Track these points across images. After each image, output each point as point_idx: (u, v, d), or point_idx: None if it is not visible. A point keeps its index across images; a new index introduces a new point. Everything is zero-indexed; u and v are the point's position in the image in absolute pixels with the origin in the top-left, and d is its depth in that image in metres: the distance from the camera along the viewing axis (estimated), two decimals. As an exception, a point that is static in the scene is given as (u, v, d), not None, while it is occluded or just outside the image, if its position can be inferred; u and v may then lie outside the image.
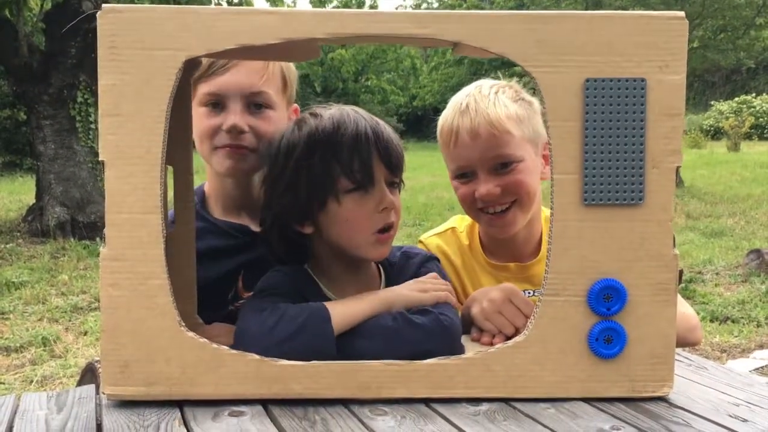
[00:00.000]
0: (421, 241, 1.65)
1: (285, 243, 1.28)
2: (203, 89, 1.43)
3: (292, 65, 1.55)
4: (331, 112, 1.25)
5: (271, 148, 1.27)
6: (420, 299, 1.20)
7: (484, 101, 1.48)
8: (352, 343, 1.12)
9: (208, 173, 1.56)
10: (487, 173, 1.48)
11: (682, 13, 1.05)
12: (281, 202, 1.24)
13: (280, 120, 1.48)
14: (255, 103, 1.45)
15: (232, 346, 1.10)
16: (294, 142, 1.23)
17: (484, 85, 1.55)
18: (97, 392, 1.13)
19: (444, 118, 1.54)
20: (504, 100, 1.49)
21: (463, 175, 1.52)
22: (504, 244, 1.59)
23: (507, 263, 1.59)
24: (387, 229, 1.23)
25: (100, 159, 1.03)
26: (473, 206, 1.52)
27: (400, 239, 1.47)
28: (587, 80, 1.04)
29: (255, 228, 1.49)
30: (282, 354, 1.08)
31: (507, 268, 1.59)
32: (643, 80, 1.04)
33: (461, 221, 1.67)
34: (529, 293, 1.49)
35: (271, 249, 1.30)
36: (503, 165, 1.47)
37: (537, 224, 1.59)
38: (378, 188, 1.22)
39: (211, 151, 1.45)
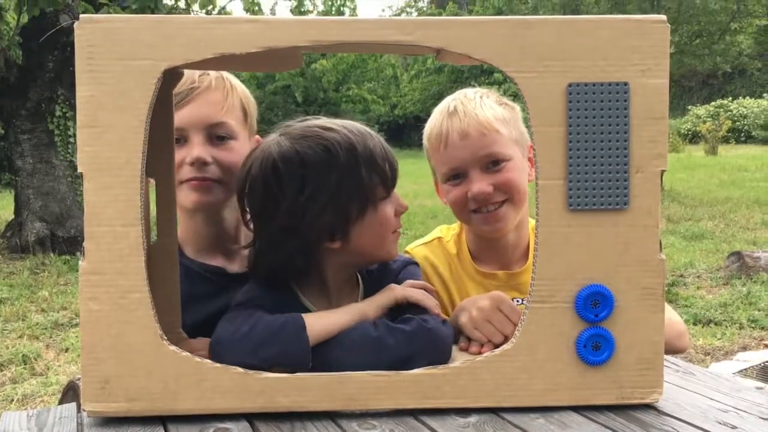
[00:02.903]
0: (407, 252, 1.64)
1: (302, 262, 1.22)
2: None
3: (251, 97, 1.54)
4: (335, 124, 1.23)
5: (289, 167, 1.18)
6: (393, 297, 1.22)
7: (471, 104, 1.51)
8: (335, 354, 1.11)
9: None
10: (479, 172, 1.49)
11: (663, 17, 1.05)
12: (321, 218, 1.18)
13: (242, 150, 1.45)
14: (217, 135, 1.44)
15: (210, 357, 1.08)
16: (333, 153, 1.17)
17: (468, 91, 1.59)
18: (79, 411, 1.10)
19: (431, 124, 1.56)
20: (489, 103, 1.53)
21: (455, 176, 1.53)
22: (492, 250, 1.59)
23: (495, 271, 1.59)
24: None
25: (78, 171, 1.01)
26: (465, 208, 1.53)
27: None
28: (570, 85, 1.04)
29: (231, 269, 1.48)
30: (257, 361, 1.07)
31: (495, 276, 1.58)
32: (626, 84, 1.04)
33: (447, 231, 1.67)
34: (517, 301, 1.49)
35: (270, 269, 1.24)
36: (494, 163, 1.49)
37: (525, 230, 1.60)
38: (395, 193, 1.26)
39: (177, 186, 1.41)
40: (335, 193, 1.17)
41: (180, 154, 1.41)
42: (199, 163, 1.41)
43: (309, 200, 1.17)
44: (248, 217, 1.27)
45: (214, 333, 1.16)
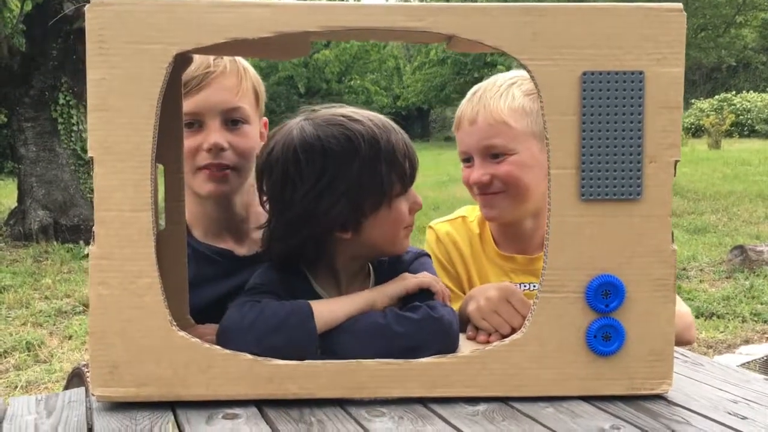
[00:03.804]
0: (430, 227, 1.66)
1: (313, 249, 1.22)
2: None
3: (260, 80, 1.54)
4: (361, 115, 1.21)
5: (309, 153, 1.16)
6: (403, 287, 1.21)
7: (492, 91, 1.51)
8: (343, 342, 1.11)
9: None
10: (481, 160, 1.51)
11: (679, 5, 1.04)
12: (335, 208, 1.16)
13: (254, 135, 1.47)
14: (232, 120, 1.44)
15: (217, 344, 1.08)
16: (355, 145, 1.16)
17: (502, 76, 1.57)
18: (87, 395, 1.10)
19: (460, 105, 1.59)
20: (514, 93, 1.49)
21: (466, 159, 1.56)
22: (510, 235, 1.60)
23: (514, 255, 1.60)
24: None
25: (88, 155, 1.01)
26: (471, 190, 1.56)
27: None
28: (584, 73, 1.03)
29: (239, 252, 1.47)
30: (262, 350, 1.06)
31: (514, 260, 1.60)
32: (641, 73, 1.03)
33: (472, 211, 1.68)
34: (534, 286, 1.49)
35: (282, 254, 1.23)
36: (494, 155, 1.49)
37: (543, 217, 1.59)
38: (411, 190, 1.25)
39: (192, 172, 1.42)
40: (353, 184, 1.16)
41: (195, 140, 1.41)
42: (216, 149, 1.41)
43: (325, 189, 1.16)
44: (264, 198, 1.25)
45: (222, 320, 1.15)
